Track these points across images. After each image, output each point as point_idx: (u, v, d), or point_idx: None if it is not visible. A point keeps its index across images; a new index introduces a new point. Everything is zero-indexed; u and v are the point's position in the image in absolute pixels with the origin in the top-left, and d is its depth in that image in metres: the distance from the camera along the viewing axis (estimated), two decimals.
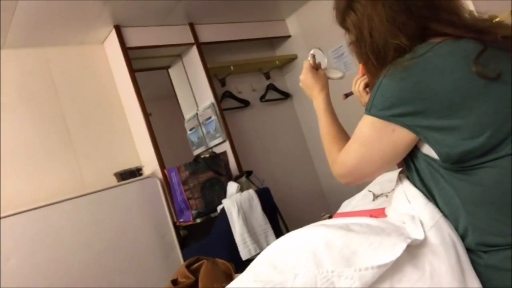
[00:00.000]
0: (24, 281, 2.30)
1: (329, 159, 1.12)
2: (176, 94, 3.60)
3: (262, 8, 3.48)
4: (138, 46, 3.03)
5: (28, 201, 2.50)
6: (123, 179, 2.82)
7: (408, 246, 0.86)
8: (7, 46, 2.75)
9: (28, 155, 2.69)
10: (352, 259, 0.87)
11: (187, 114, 3.50)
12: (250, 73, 3.81)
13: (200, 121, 3.33)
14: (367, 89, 1.30)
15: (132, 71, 2.94)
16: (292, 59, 3.86)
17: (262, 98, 3.79)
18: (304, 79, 1.32)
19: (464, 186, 0.89)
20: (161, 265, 2.72)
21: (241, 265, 1.48)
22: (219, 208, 2.66)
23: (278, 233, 2.62)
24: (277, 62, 3.81)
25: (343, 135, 1.16)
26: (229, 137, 3.18)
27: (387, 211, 1.10)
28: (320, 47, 1.41)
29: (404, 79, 0.89)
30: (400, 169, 1.11)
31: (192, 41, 3.27)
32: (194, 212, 2.70)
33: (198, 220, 2.71)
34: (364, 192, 1.47)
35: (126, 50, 2.95)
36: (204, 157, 2.87)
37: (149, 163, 2.99)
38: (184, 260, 2.50)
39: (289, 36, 3.88)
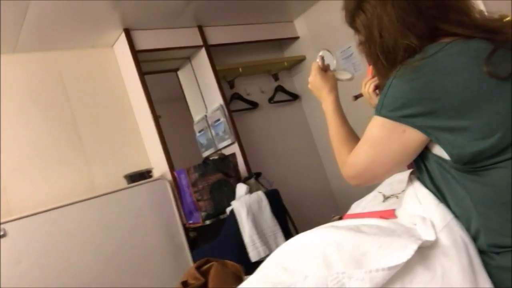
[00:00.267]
0: (36, 283, 2.31)
1: (339, 161, 1.12)
2: (185, 96, 3.61)
3: (270, 10, 3.48)
4: (148, 49, 3.05)
5: (39, 204, 2.52)
6: (133, 181, 2.83)
7: (419, 248, 0.85)
8: (18, 50, 2.78)
9: (39, 157, 2.72)
10: (362, 261, 0.87)
11: (196, 116, 3.51)
12: (258, 75, 3.82)
13: (209, 123, 3.33)
14: (377, 91, 1.29)
15: (142, 74, 2.96)
16: (301, 60, 3.86)
17: (270, 100, 3.79)
18: (313, 81, 1.32)
19: (475, 187, 0.89)
20: (171, 267, 2.73)
21: (250, 267, 1.48)
22: (228, 210, 2.66)
23: (288, 235, 2.62)
24: (285, 63, 3.81)
25: (353, 137, 1.15)
26: (238, 138, 3.19)
27: (397, 212, 1.09)
28: (328, 49, 1.41)
29: (414, 80, 0.88)
30: (411, 170, 1.10)
31: (201, 43, 3.28)
32: (203, 214, 2.71)
33: (207, 222, 2.71)
34: (374, 193, 1.47)
35: (135, 53, 2.97)
36: (213, 159, 2.87)
37: (159, 165, 3.00)
38: (194, 262, 2.50)
39: (298, 38, 3.88)
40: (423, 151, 0.96)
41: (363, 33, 1.03)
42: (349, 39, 3.26)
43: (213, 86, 3.26)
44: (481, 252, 0.91)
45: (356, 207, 1.46)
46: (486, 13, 0.99)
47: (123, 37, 2.99)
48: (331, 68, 1.35)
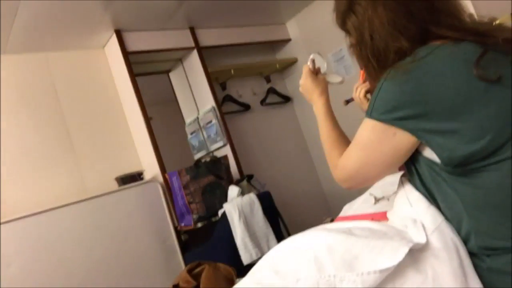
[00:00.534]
0: (26, 287, 2.29)
1: (330, 164, 1.12)
2: (176, 98, 3.60)
3: (262, 12, 3.48)
4: (139, 50, 3.03)
5: (29, 206, 2.49)
6: (124, 183, 2.81)
7: (410, 250, 0.86)
8: (8, 51, 2.76)
9: (29, 160, 2.69)
10: (354, 264, 0.87)
11: (188, 118, 3.50)
12: (250, 77, 3.82)
13: (201, 125, 3.33)
14: (368, 95, 1.30)
15: (133, 76, 2.94)
16: (293, 62, 3.86)
17: (262, 102, 3.79)
18: (303, 84, 1.32)
19: (466, 189, 0.89)
20: (163, 270, 2.71)
21: (242, 270, 1.48)
22: (220, 212, 2.65)
23: (280, 237, 2.62)
24: (277, 65, 3.82)
25: (344, 140, 1.15)
26: (230, 141, 3.18)
27: (389, 215, 1.09)
28: (319, 52, 1.41)
29: (405, 82, 0.89)
30: (402, 172, 1.11)
31: (193, 45, 3.28)
32: (195, 216, 2.70)
33: (199, 225, 2.71)
34: (366, 195, 1.47)
35: (126, 54, 2.95)
36: (205, 161, 2.87)
37: (150, 168, 2.99)
38: (186, 265, 2.49)
39: (289, 40, 3.89)
40: (414, 154, 0.96)
41: (354, 35, 1.03)
42: (341, 42, 3.28)
43: (205, 88, 3.25)
44: (472, 255, 0.91)
45: (348, 209, 1.46)
46: (476, 16, 1.00)
47: (114, 39, 2.98)
48: (322, 71, 1.35)
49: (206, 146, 3.33)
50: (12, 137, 2.67)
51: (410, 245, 0.86)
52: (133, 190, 2.79)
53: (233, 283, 1.63)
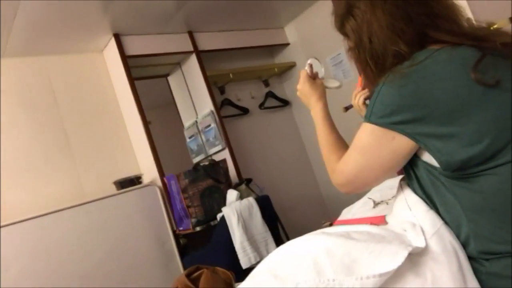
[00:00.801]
0: None
1: (329, 168, 1.12)
2: (175, 102, 3.60)
3: (261, 16, 3.49)
4: (138, 54, 3.04)
5: (27, 210, 2.49)
6: (123, 187, 2.81)
7: (410, 254, 0.86)
8: (7, 55, 2.76)
9: (27, 163, 2.69)
10: (353, 267, 0.87)
11: (187, 122, 3.50)
12: (249, 81, 3.82)
13: (200, 128, 3.33)
14: (367, 101, 1.30)
15: (132, 79, 2.94)
16: (291, 66, 3.87)
17: (261, 106, 3.79)
18: (301, 89, 1.32)
19: (465, 193, 0.89)
20: (161, 274, 2.70)
21: (241, 274, 1.47)
22: (218, 216, 2.65)
23: (278, 241, 2.61)
24: (276, 69, 3.83)
25: (342, 144, 1.15)
26: (229, 144, 3.18)
27: (388, 219, 1.09)
28: (317, 57, 1.42)
29: (403, 86, 0.89)
30: (401, 176, 1.11)
31: (191, 49, 3.28)
32: (193, 220, 2.69)
33: (198, 228, 2.70)
34: (364, 199, 1.47)
35: (125, 58, 2.96)
36: (204, 165, 2.86)
37: (149, 171, 2.98)
38: (184, 269, 2.48)
39: (288, 44, 3.90)
40: (413, 158, 0.96)
41: (352, 38, 1.03)
42: (339, 46, 3.30)
43: (204, 91, 3.25)
44: (471, 259, 0.91)
45: (347, 213, 1.47)
46: (474, 21, 1.00)
47: (113, 42, 2.98)
48: (320, 76, 1.36)
49: (204, 150, 3.33)
50: (11, 141, 2.67)
51: (410, 249, 0.86)
52: (131, 194, 2.78)
53: (232, 287, 1.63)
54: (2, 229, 2.31)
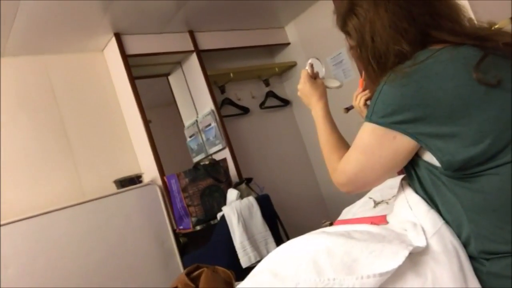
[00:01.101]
0: None
1: (329, 168, 1.11)
2: (176, 101, 3.60)
3: (262, 16, 3.49)
4: (138, 53, 3.04)
5: (27, 209, 2.49)
6: (123, 186, 2.81)
7: (410, 254, 0.85)
8: (7, 54, 2.76)
9: (27, 162, 2.69)
10: (353, 267, 0.87)
11: (187, 121, 3.50)
12: (249, 80, 3.82)
13: (200, 128, 3.33)
14: (368, 102, 1.30)
15: (132, 79, 2.94)
16: (291, 66, 3.87)
17: (261, 105, 3.79)
18: (302, 88, 1.32)
19: (466, 193, 0.89)
20: (161, 273, 2.70)
21: (241, 273, 1.47)
22: (219, 215, 2.65)
23: (278, 241, 2.61)
24: (276, 69, 3.82)
25: (343, 144, 1.15)
26: (229, 144, 3.18)
27: (388, 218, 1.09)
28: (317, 57, 1.42)
29: (405, 86, 0.89)
30: (402, 176, 1.11)
31: (192, 48, 3.28)
32: (193, 219, 2.69)
33: (198, 228, 2.70)
34: (365, 199, 1.47)
35: (126, 57, 2.95)
36: (204, 164, 2.86)
37: (149, 170, 2.98)
38: (184, 268, 2.48)
39: (288, 44, 3.90)
40: (414, 158, 0.96)
41: (354, 37, 1.03)
42: (340, 46, 3.31)
43: (204, 91, 3.25)
44: (472, 258, 0.91)
45: (347, 212, 1.47)
46: (475, 21, 1.00)
47: (113, 42, 2.98)
48: (320, 76, 1.36)
49: (205, 149, 3.33)
50: (11, 140, 2.67)
51: (410, 248, 0.86)
52: (131, 193, 2.78)
53: (232, 286, 1.63)
54: (2, 227, 2.31)
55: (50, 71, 2.93)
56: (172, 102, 3.60)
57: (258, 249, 2.52)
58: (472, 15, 1.14)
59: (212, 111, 3.19)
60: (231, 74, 3.47)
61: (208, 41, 3.38)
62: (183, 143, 3.49)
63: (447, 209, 0.93)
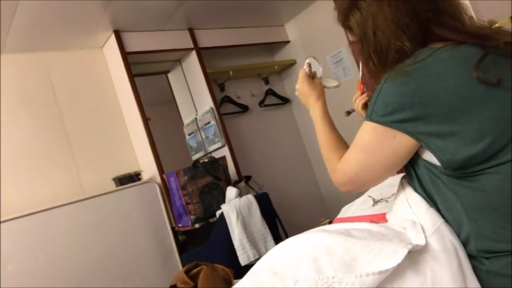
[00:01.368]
0: (23, 287, 2.28)
1: (329, 167, 1.11)
2: (175, 99, 3.60)
3: (261, 14, 3.49)
4: (138, 51, 3.03)
5: (27, 206, 2.49)
6: (122, 184, 2.81)
7: (409, 252, 0.86)
8: (7, 51, 2.75)
9: (27, 159, 2.68)
10: (352, 265, 0.87)
11: (186, 119, 3.50)
12: (249, 78, 3.82)
13: (199, 126, 3.32)
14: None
15: (131, 76, 2.94)
16: (291, 64, 3.87)
17: (261, 103, 3.79)
18: (300, 88, 1.32)
19: (466, 192, 0.89)
20: (160, 270, 2.71)
21: (240, 271, 1.48)
22: (218, 213, 2.65)
23: (277, 239, 2.61)
24: (276, 67, 3.82)
25: (342, 143, 1.15)
26: (228, 142, 3.18)
27: (388, 216, 1.09)
28: (315, 56, 1.42)
29: (405, 84, 0.89)
30: (402, 174, 1.11)
31: (192, 46, 3.28)
32: (192, 217, 2.70)
33: (197, 225, 2.70)
34: (364, 197, 1.47)
35: (125, 55, 2.95)
36: (203, 162, 2.86)
37: (148, 168, 2.98)
38: (183, 266, 2.48)
39: (288, 42, 3.89)
40: (413, 157, 0.96)
41: (356, 31, 1.03)
42: (340, 44, 3.31)
43: (204, 89, 3.25)
44: (471, 257, 0.91)
45: (346, 211, 1.47)
46: (476, 20, 1.00)
47: (113, 39, 2.97)
48: (318, 75, 1.36)
49: (204, 147, 3.33)
50: (10, 137, 2.66)
51: (409, 247, 0.86)
52: (130, 190, 2.78)
53: (231, 284, 1.63)
54: (1, 224, 2.31)
55: (49, 67, 2.92)
56: (171, 100, 3.59)
57: (257, 247, 2.52)
58: (473, 14, 1.14)
59: (212, 109, 3.19)
60: (231, 72, 3.47)
61: (207, 38, 3.37)
62: (182, 141, 3.49)
63: (447, 208, 0.93)
